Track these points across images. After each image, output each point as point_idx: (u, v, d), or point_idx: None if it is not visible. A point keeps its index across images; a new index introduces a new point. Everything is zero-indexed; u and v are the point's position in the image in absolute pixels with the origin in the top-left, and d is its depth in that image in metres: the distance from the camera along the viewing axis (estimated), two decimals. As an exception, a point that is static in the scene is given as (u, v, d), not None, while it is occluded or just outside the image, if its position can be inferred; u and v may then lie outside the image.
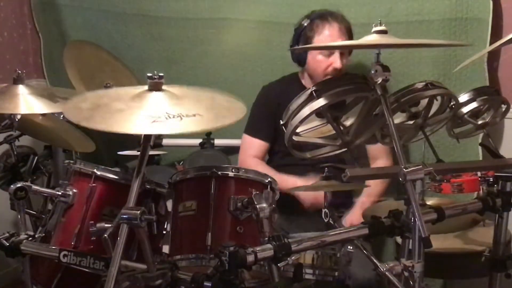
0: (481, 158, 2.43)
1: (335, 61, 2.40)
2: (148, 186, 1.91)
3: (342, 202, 2.44)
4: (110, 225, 1.50)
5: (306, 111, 1.48)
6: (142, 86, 1.60)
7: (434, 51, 2.57)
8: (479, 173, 1.84)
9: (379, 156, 2.53)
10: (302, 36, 2.45)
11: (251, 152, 2.56)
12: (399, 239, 1.73)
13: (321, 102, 1.46)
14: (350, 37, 2.44)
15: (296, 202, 2.41)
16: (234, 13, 2.88)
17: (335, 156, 1.68)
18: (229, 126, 2.68)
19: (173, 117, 1.46)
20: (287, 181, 2.27)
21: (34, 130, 2.31)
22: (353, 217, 2.40)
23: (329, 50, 2.43)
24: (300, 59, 2.51)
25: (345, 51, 2.42)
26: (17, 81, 1.87)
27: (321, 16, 2.44)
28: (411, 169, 1.37)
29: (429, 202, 1.97)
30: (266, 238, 1.42)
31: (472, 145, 2.47)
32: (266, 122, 2.51)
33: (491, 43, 2.39)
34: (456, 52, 2.52)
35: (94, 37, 3.11)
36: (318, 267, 1.82)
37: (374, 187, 2.44)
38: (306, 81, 2.55)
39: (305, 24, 2.45)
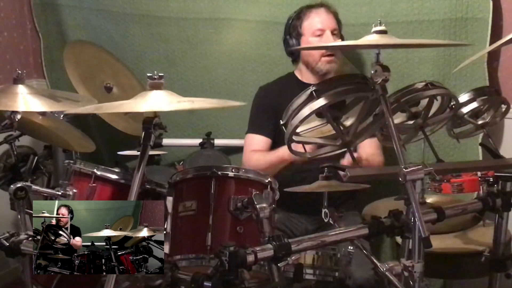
0: (481, 158, 2.43)
1: (328, 40, 2.42)
2: (148, 186, 1.91)
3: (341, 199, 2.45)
4: (110, 225, 1.50)
5: (306, 111, 1.48)
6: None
7: (434, 51, 2.57)
8: (479, 173, 1.85)
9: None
10: (290, 26, 2.51)
11: (254, 147, 2.53)
12: (399, 239, 1.73)
13: (321, 102, 1.46)
14: (338, 22, 2.48)
15: (296, 201, 2.41)
16: (234, 13, 2.88)
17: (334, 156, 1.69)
18: (229, 125, 2.67)
19: (184, 102, 1.52)
20: (278, 151, 2.31)
21: (34, 130, 2.31)
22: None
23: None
24: (293, 51, 2.53)
25: (337, 32, 2.46)
26: (17, 81, 1.86)
27: (309, 6, 2.50)
28: (411, 169, 1.37)
29: (429, 200, 1.98)
30: (266, 238, 1.42)
31: (472, 145, 2.47)
32: (267, 118, 2.48)
33: (491, 43, 2.39)
34: (456, 52, 2.52)
35: (94, 37, 3.11)
36: (318, 267, 1.82)
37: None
38: (303, 76, 2.55)
39: (293, 16, 2.51)
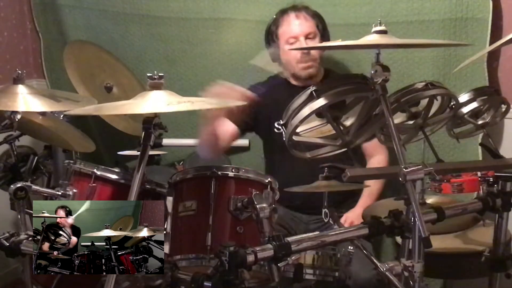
0: (481, 158, 2.43)
1: (301, 46, 2.41)
2: (148, 186, 1.91)
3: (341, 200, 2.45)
4: (110, 225, 1.50)
5: (306, 111, 1.47)
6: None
7: (434, 51, 2.57)
8: (479, 173, 1.84)
9: (374, 153, 2.52)
10: (269, 34, 2.50)
11: (223, 126, 2.42)
12: (399, 239, 1.73)
13: (321, 102, 1.46)
14: (317, 21, 2.45)
15: (297, 201, 2.41)
16: (234, 13, 2.88)
17: (334, 156, 1.69)
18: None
19: (184, 102, 1.52)
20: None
21: (34, 130, 2.31)
22: (353, 214, 2.40)
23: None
24: (276, 57, 2.52)
25: (313, 35, 2.42)
26: (17, 81, 1.86)
27: (282, 11, 2.49)
28: (411, 169, 1.37)
29: (429, 201, 1.98)
30: (266, 238, 1.42)
31: (472, 145, 2.47)
32: (248, 113, 2.39)
33: (491, 43, 2.39)
34: (456, 52, 2.52)
35: (94, 37, 3.11)
36: (319, 267, 1.82)
37: (373, 185, 2.43)
38: (290, 78, 2.54)
39: (270, 23, 2.51)
